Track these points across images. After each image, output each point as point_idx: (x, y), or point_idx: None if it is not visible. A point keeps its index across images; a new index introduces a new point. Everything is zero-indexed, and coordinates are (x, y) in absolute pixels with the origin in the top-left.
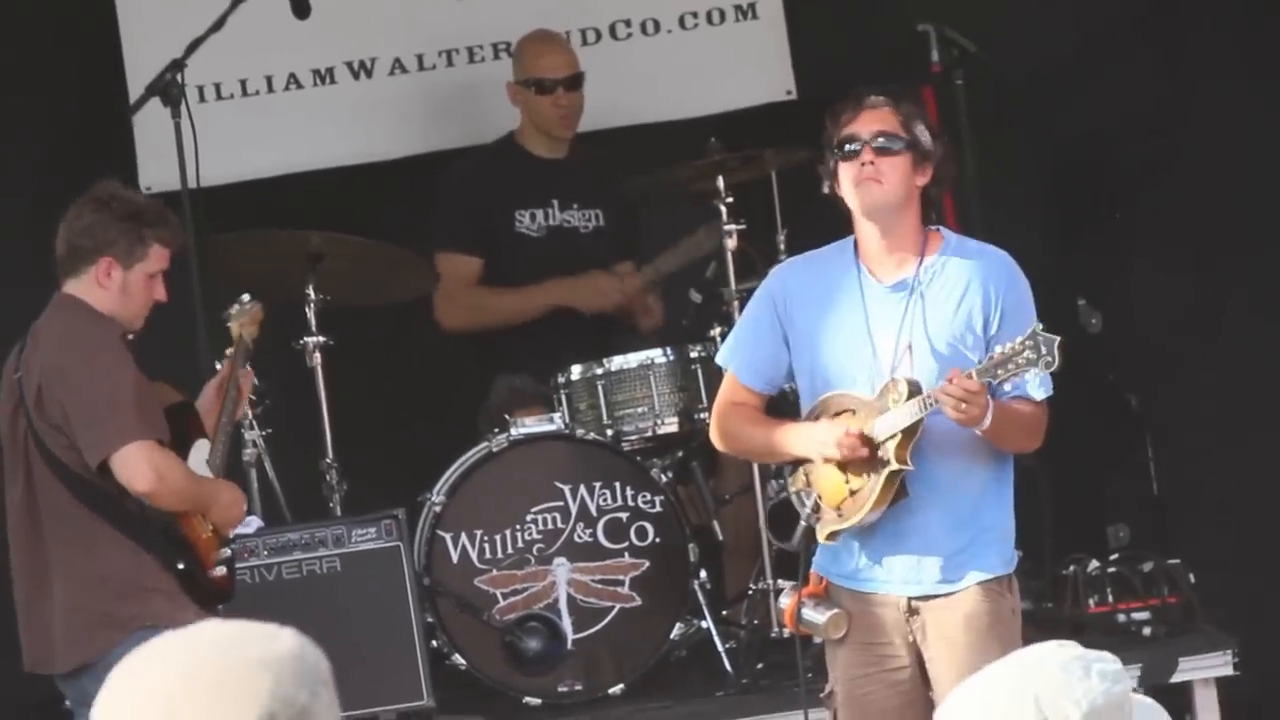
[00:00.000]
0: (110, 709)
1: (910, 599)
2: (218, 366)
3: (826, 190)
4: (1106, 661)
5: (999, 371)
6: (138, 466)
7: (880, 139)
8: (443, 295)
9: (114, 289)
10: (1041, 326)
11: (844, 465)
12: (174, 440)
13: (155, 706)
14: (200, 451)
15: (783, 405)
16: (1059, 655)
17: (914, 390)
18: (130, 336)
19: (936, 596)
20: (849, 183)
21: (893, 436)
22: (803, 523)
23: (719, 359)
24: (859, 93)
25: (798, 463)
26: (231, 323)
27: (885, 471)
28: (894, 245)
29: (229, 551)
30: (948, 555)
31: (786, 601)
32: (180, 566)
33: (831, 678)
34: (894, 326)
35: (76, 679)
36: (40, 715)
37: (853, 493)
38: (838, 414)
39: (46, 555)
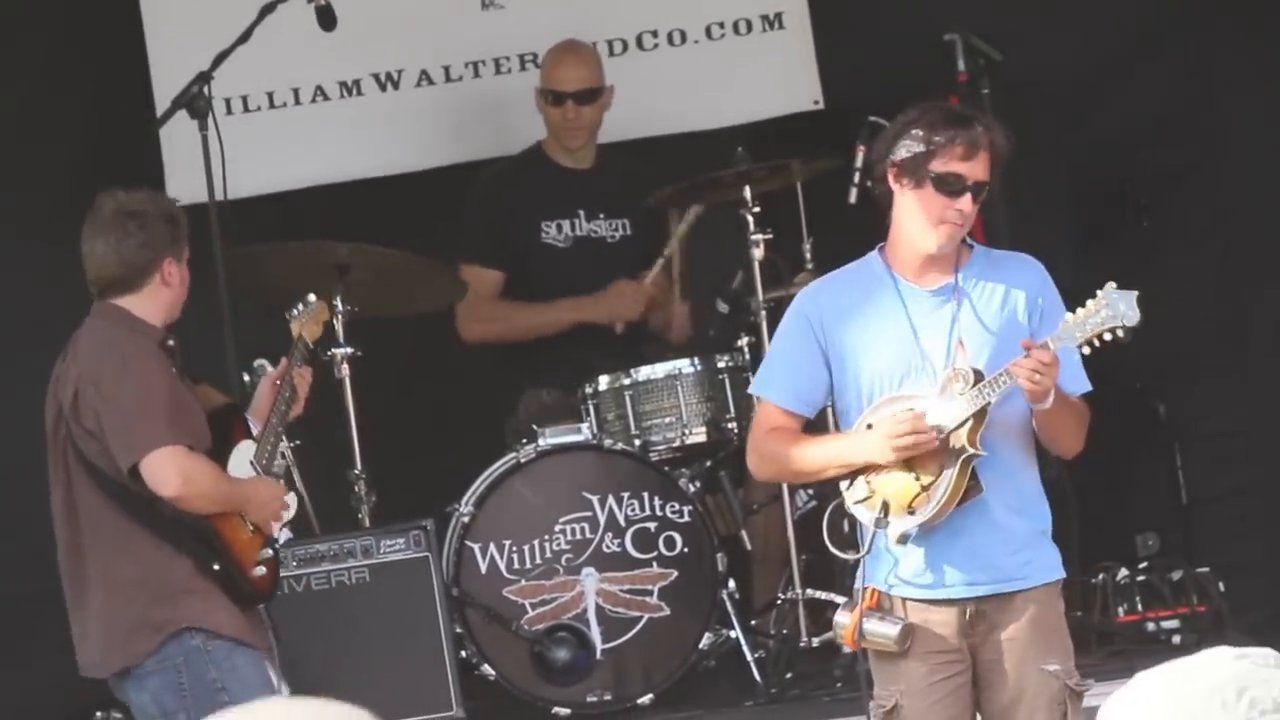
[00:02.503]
0: None
1: (976, 599)
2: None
3: (854, 200)
4: (1271, 686)
5: (1077, 334)
6: (165, 472)
7: (984, 191)
8: (463, 307)
9: (176, 284)
10: (1115, 285)
11: (912, 463)
12: (216, 442)
13: None
14: (244, 452)
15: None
16: (1217, 673)
17: (978, 377)
18: (171, 343)
19: (1000, 595)
20: (930, 217)
21: (964, 423)
22: (872, 530)
23: (752, 389)
24: (970, 121)
25: (854, 473)
26: (292, 322)
27: (960, 460)
28: (938, 260)
29: (271, 551)
30: (1011, 549)
31: (845, 619)
32: (215, 568)
33: (894, 691)
34: (941, 328)
35: (121, 683)
36: None
37: (925, 488)
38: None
39: (85, 559)
